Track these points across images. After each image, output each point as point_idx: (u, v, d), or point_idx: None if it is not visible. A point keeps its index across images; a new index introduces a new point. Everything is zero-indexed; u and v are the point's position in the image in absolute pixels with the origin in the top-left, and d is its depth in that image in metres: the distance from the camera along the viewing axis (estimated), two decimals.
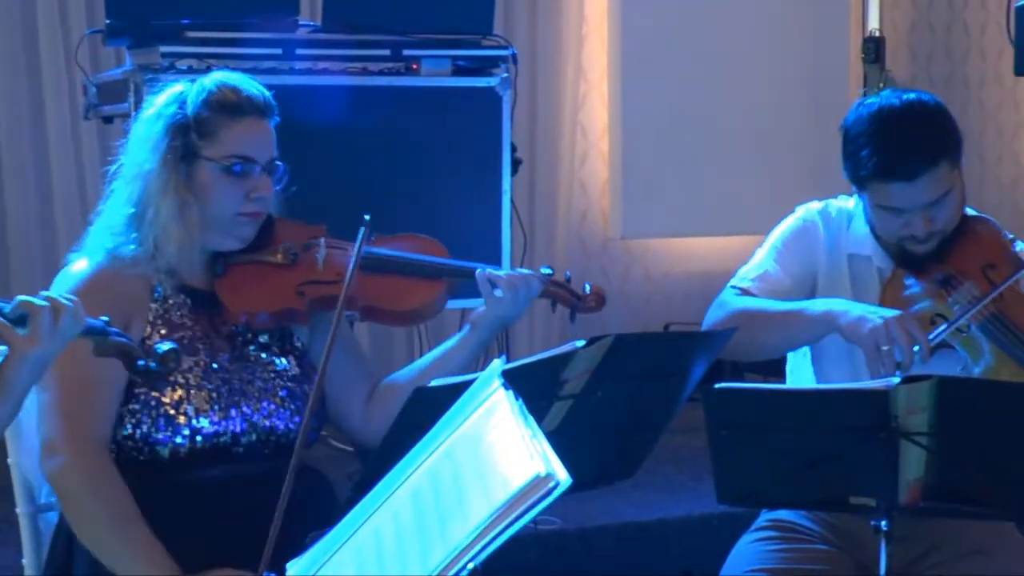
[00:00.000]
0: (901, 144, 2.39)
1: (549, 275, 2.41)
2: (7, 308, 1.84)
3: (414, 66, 3.66)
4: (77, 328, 1.87)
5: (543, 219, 4.99)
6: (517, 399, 1.46)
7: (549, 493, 1.26)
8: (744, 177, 5.22)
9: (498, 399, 1.47)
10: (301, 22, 3.70)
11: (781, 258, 2.55)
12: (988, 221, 2.52)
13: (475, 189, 3.68)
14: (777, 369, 2.74)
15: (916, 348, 2.28)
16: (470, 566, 1.30)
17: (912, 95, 2.46)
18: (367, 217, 2.15)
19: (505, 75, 3.71)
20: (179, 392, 2.17)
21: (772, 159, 5.23)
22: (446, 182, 3.64)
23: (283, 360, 2.29)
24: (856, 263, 2.54)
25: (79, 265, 2.25)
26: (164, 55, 3.46)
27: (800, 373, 2.61)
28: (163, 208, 2.22)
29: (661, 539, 3.35)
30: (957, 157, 2.43)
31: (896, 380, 1.98)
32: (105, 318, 1.95)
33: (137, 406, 2.16)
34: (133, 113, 2.41)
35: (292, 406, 2.26)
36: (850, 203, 2.57)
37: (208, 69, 3.50)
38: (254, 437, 2.22)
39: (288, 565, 1.63)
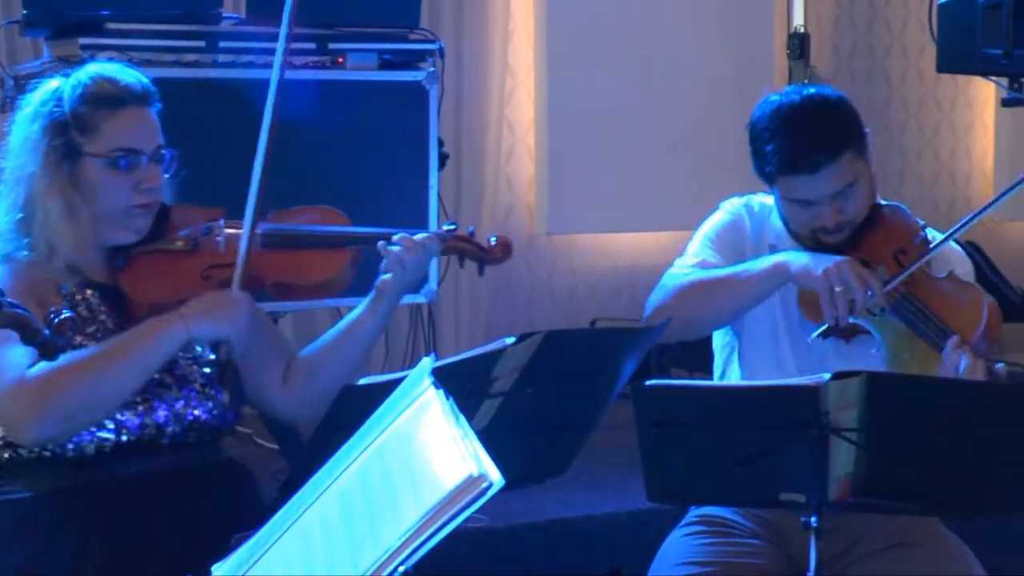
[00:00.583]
0: (802, 138, 2.44)
1: (452, 230, 2.39)
2: None
3: (340, 60, 3.62)
4: None
5: (469, 214, 4.97)
6: (448, 398, 1.44)
7: (482, 494, 1.24)
8: (670, 172, 5.23)
9: (428, 398, 1.44)
10: (225, 14, 3.64)
11: (716, 247, 2.60)
12: (899, 208, 2.58)
13: (402, 184, 3.64)
14: (704, 365, 2.74)
15: (869, 292, 2.34)
16: (401, 569, 1.27)
17: (812, 89, 2.52)
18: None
19: (432, 69, 3.68)
20: None
21: (698, 154, 5.25)
22: (372, 177, 3.60)
23: (198, 347, 2.26)
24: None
25: None
26: (83, 47, 3.38)
27: (726, 370, 2.63)
28: (51, 210, 2.18)
29: (589, 536, 3.34)
30: (861, 148, 2.48)
31: (826, 376, 1.99)
32: None
33: None
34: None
35: (212, 393, 2.24)
36: (770, 198, 2.62)
37: (129, 62, 3.45)
38: (178, 428, 2.19)
39: (214, 568, 1.60)
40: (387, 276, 2.32)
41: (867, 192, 2.51)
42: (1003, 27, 3.77)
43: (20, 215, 2.20)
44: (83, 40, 3.38)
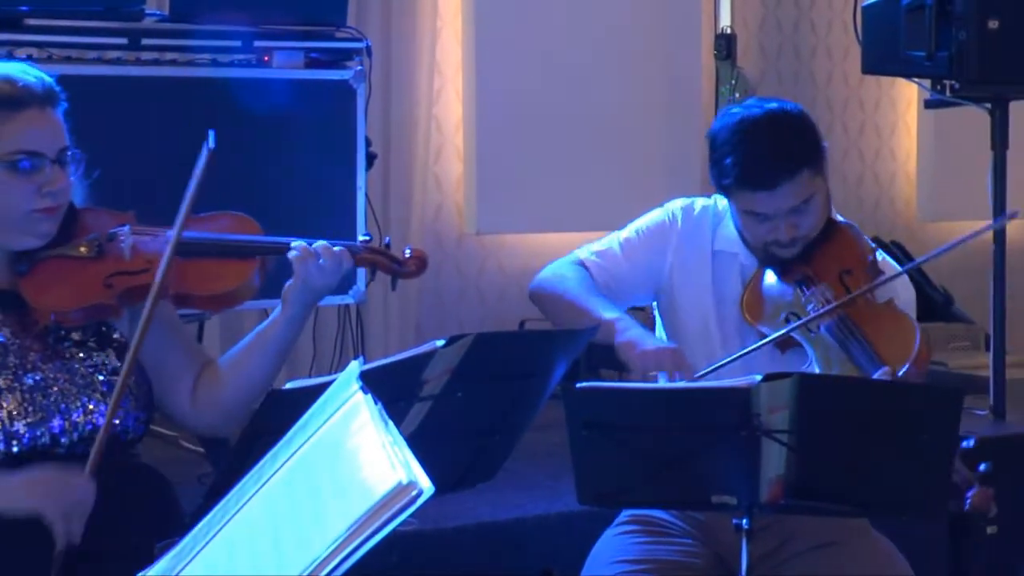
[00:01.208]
0: (762, 154, 2.44)
1: (365, 242, 2.34)
2: None
3: (266, 58, 3.57)
4: None
5: (397, 214, 4.93)
6: (376, 402, 1.41)
7: (412, 502, 1.22)
8: (599, 172, 5.23)
9: (357, 403, 1.41)
10: (148, 11, 3.58)
11: (629, 244, 2.62)
12: (852, 228, 2.58)
13: (329, 184, 3.60)
14: None
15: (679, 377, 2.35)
16: None
17: (774, 104, 2.51)
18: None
19: (359, 68, 3.64)
20: None
21: (626, 154, 5.26)
22: (299, 177, 3.55)
23: (101, 355, 2.19)
24: (721, 260, 2.58)
25: None
26: (1, 44, 3.31)
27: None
28: None
29: (520, 538, 3.32)
30: (819, 165, 2.48)
31: (758, 378, 1.98)
32: None
33: None
34: None
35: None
36: (722, 202, 2.60)
37: (49, 59, 3.38)
38: (75, 437, 2.12)
39: None
40: (293, 283, 2.26)
41: (822, 207, 2.51)
42: (926, 29, 3.82)
43: None
44: (1, 36, 3.31)
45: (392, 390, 1.79)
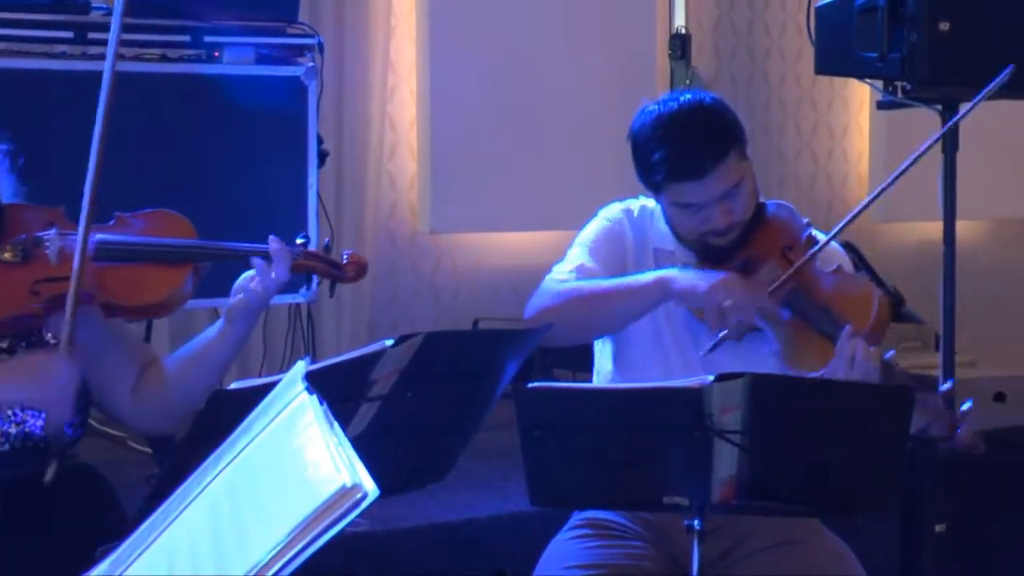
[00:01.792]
0: (686, 144, 2.45)
1: (300, 246, 2.28)
2: None
3: (216, 53, 3.53)
4: None
5: (351, 213, 4.90)
6: (322, 403, 1.38)
7: (356, 505, 1.19)
8: (553, 172, 5.22)
9: (302, 404, 1.38)
10: (95, 4, 3.53)
11: (594, 253, 2.58)
12: (785, 206, 2.61)
13: (280, 182, 3.57)
14: (587, 366, 2.73)
15: (757, 302, 2.36)
16: None
17: (690, 95, 2.53)
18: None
19: (311, 64, 3.61)
20: None
21: (580, 154, 5.25)
22: (249, 174, 3.52)
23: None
24: (661, 257, 2.58)
25: None
26: None
27: (608, 371, 2.61)
28: None
29: (472, 539, 3.31)
30: (743, 148, 2.50)
31: (710, 379, 1.97)
32: None
33: None
34: None
35: None
36: (652, 202, 2.61)
37: None
38: (7, 446, 2.07)
39: None
40: (234, 301, 2.21)
41: (752, 190, 2.52)
42: (878, 30, 3.82)
43: None
44: None
45: (340, 390, 1.77)
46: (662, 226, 2.58)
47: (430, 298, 5.25)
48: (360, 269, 2.30)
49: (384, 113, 5.04)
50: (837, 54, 4.03)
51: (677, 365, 2.48)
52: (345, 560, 2.91)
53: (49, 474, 2.02)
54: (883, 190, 2.52)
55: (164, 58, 3.56)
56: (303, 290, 3.54)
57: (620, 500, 2.21)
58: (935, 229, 4.07)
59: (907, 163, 2.49)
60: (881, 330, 2.40)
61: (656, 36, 5.48)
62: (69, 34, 3.39)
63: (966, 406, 2.22)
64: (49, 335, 2.17)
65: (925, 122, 4.01)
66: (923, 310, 5.44)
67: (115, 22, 2.15)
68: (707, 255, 2.51)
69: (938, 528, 3.60)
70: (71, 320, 1.98)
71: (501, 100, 5.16)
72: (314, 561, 1.26)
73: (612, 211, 2.64)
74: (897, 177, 2.49)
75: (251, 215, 3.34)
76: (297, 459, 1.30)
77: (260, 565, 1.22)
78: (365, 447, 1.90)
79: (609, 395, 2.17)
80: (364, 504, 1.20)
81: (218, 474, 1.41)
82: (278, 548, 1.21)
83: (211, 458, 1.46)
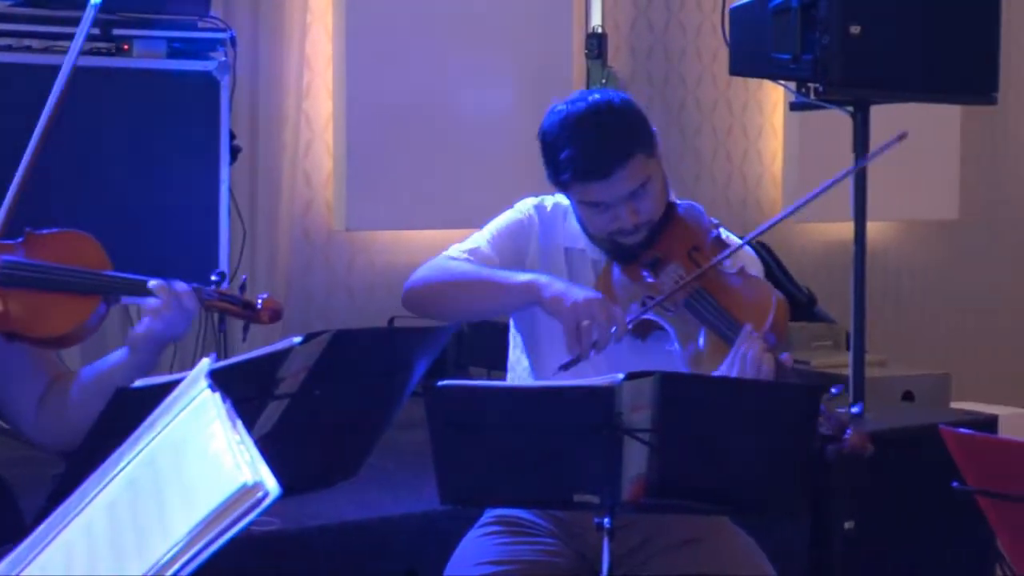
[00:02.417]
0: (593, 144, 2.47)
1: (213, 285, 2.24)
2: None
3: (125, 47, 3.48)
4: None
5: (265, 210, 4.85)
6: (225, 401, 1.36)
7: (258, 504, 1.18)
8: (469, 170, 5.21)
9: (204, 402, 1.36)
10: None
11: (495, 241, 2.61)
12: (693, 207, 2.63)
13: (191, 178, 3.53)
14: (503, 363, 2.73)
15: (613, 329, 2.35)
16: None
17: (598, 95, 2.55)
18: None
19: (223, 59, 3.57)
20: None
21: (497, 152, 5.25)
22: (159, 171, 3.47)
23: None
24: (572, 256, 2.61)
25: None
26: None
27: (520, 369, 2.62)
28: None
29: (385, 538, 3.28)
30: (651, 148, 2.52)
31: (620, 377, 1.98)
32: None
33: None
34: None
35: None
36: (566, 200, 2.62)
37: None
38: None
39: None
40: (140, 330, 2.17)
41: (660, 190, 2.54)
42: (791, 33, 3.86)
43: None
44: None
45: (246, 388, 1.75)
46: (574, 224, 2.60)
47: (345, 296, 5.21)
48: (275, 314, 2.27)
49: (300, 110, 5.00)
50: (751, 55, 4.07)
51: (584, 365, 2.48)
52: (254, 559, 2.88)
53: None
54: (785, 217, 2.60)
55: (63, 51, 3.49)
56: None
57: (530, 498, 2.21)
58: (846, 230, 4.13)
59: (813, 193, 2.56)
60: (780, 332, 2.43)
61: (572, 36, 5.49)
62: None
63: (855, 409, 2.25)
64: None
65: (838, 124, 4.07)
66: (835, 310, 5.52)
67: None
68: (617, 254, 2.54)
69: (847, 525, 3.64)
70: None
71: (418, 98, 5.15)
72: (221, 559, 1.24)
73: (524, 205, 2.67)
74: (801, 205, 2.56)
75: (161, 212, 3.30)
76: (198, 457, 1.29)
77: (159, 565, 1.19)
78: (273, 445, 1.89)
79: (519, 394, 2.17)
80: (266, 503, 1.19)
81: (119, 472, 1.39)
82: (178, 547, 1.19)
83: (112, 457, 1.44)
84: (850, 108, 4.00)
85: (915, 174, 6.31)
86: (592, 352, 2.37)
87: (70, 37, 3.47)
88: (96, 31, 3.45)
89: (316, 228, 5.16)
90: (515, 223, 2.64)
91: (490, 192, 4.89)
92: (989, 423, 4.07)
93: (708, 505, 2.16)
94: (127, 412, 1.64)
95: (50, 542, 1.38)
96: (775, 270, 5.62)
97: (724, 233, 2.60)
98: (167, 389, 1.49)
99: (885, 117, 4.50)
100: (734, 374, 2.28)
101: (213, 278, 2.24)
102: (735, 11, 4.10)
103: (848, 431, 2.26)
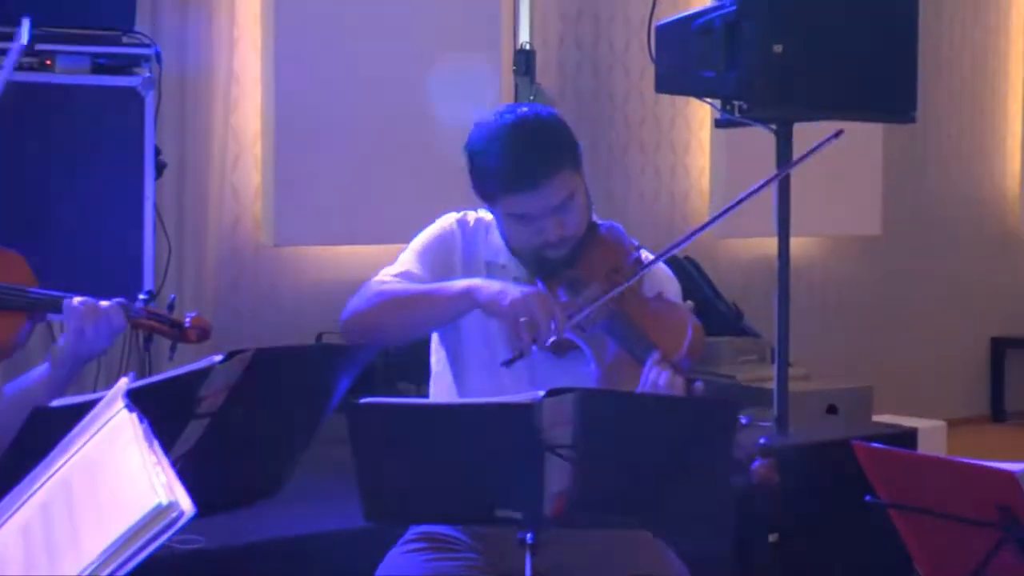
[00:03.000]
0: (522, 155, 2.49)
1: (141, 303, 2.23)
2: None
3: (48, 62, 3.45)
4: None
5: (193, 225, 4.82)
6: (142, 421, 1.36)
7: (172, 524, 1.18)
8: (398, 185, 5.22)
9: (121, 421, 1.36)
10: None
11: (422, 259, 2.62)
12: (614, 228, 2.64)
13: (116, 195, 3.50)
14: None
15: (552, 323, 2.36)
16: None
17: (526, 108, 2.58)
18: None
19: (148, 75, 3.55)
20: None
21: (426, 168, 5.25)
22: (83, 187, 3.44)
23: None
24: (493, 270, 2.62)
25: None
26: None
27: (442, 383, 2.63)
28: None
29: (310, 555, 3.28)
30: (577, 163, 2.55)
31: (541, 394, 1.99)
32: None
33: None
34: None
35: None
36: (488, 215, 2.64)
37: None
38: None
39: None
40: (62, 344, 2.15)
41: (584, 205, 2.57)
42: (716, 51, 3.91)
43: None
44: None
45: (166, 407, 1.74)
46: (496, 239, 2.62)
47: (273, 312, 5.19)
48: (203, 333, 2.27)
49: (228, 125, 4.98)
50: (677, 73, 4.12)
51: (507, 382, 2.49)
52: None
53: None
54: (708, 227, 2.64)
55: None
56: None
57: (453, 515, 2.22)
58: (772, 245, 4.18)
59: (740, 198, 2.60)
60: (694, 357, 2.46)
61: (501, 52, 5.52)
62: None
63: (762, 440, 2.28)
64: None
65: (764, 140, 4.13)
66: (760, 324, 5.58)
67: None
68: (540, 269, 2.55)
69: (771, 538, 3.68)
70: None
71: (347, 113, 5.15)
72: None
73: (446, 220, 2.68)
74: (726, 213, 2.60)
75: (85, 228, 3.27)
76: (114, 478, 1.29)
77: None
78: (194, 464, 1.88)
79: (440, 411, 2.18)
80: (180, 523, 1.19)
81: (33, 493, 1.38)
82: (91, 568, 1.19)
83: (27, 478, 1.43)
84: (774, 125, 4.06)
85: (839, 190, 6.41)
86: (534, 348, 2.38)
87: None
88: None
89: (244, 244, 5.14)
90: (438, 238, 2.65)
91: (419, 207, 4.85)
92: (909, 436, 4.15)
93: (629, 520, 2.18)
94: (44, 431, 1.63)
95: None
96: (702, 285, 5.68)
97: (645, 254, 2.63)
98: (85, 409, 1.49)
99: (809, 134, 4.57)
100: None
101: (142, 296, 2.24)
102: (661, 29, 4.15)
103: (756, 461, 2.27)
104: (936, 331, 7.11)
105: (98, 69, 3.51)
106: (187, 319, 2.26)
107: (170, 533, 1.19)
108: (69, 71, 3.45)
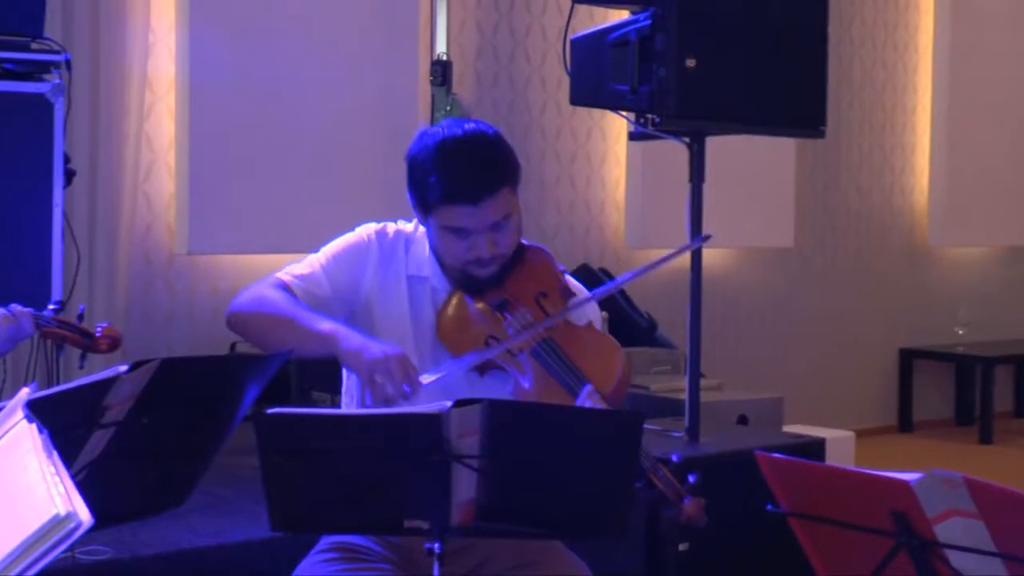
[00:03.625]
0: (466, 169, 2.49)
1: (51, 312, 2.23)
2: None
3: None
4: None
5: (104, 233, 4.77)
6: (42, 432, 1.35)
7: (70, 535, 1.17)
8: (313, 194, 5.21)
9: (20, 432, 1.36)
10: None
11: (328, 266, 2.60)
12: (543, 251, 2.65)
13: (23, 202, 3.46)
14: None
15: (406, 387, 2.36)
16: None
17: (472, 124, 2.57)
18: None
19: (58, 82, 3.51)
20: None
21: (342, 177, 5.25)
22: None
23: None
24: (414, 284, 2.60)
25: None
26: None
27: (354, 392, 2.62)
28: None
29: (222, 564, 3.25)
30: (516, 184, 2.56)
31: (448, 404, 2.00)
32: None
33: None
34: None
35: None
36: (409, 227, 2.63)
37: None
38: None
39: None
40: None
41: (518, 227, 2.58)
42: (629, 64, 3.95)
43: None
44: None
45: (68, 417, 1.73)
46: (420, 252, 2.60)
47: (187, 321, 5.15)
48: (113, 343, 2.27)
49: (141, 132, 4.93)
50: (592, 86, 4.15)
51: (419, 395, 2.49)
52: None
53: None
54: (629, 280, 2.69)
55: None
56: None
57: (361, 524, 2.22)
58: (685, 256, 4.22)
59: (653, 263, 2.64)
60: (622, 391, 2.48)
61: (418, 63, 5.53)
62: None
63: (692, 479, 2.30)
64: None
65: (679, 152, 4.17)
66: (675, 335, 5.64)
67: None
68: (466, 286, 2.55)
69: (681, 547, 3.71)
70: None
71: (262, 122, 5.13)
72: None
73: (364, 230, 2.65)
74: (641, 273, 2.65)
75: None
76: (11, 489, 1.28)
77: None
78: (99, 473, 1.87)
79: (348, 421, 2.18)
80: (78, 534, 1.19)
81: None
82: None
83: None
84: (686, 139, 4.10)
85: (753, 203, 6.51)
86: (384, 407, 2.35)
87: None
88: None
89: (157, 252, 5.10)
90: (352, 247, 2.63)
91: (335, 216, 4.88)
92: (817, 446, 4.20)
93: (537, 529, 2.19)
94: None
95: None
96: (617, 297, 5.72)
97: (571, 280, 2.64)
98: None
99: (724, 147, 4.64)
100: None
101: (51, 306, 2.22)
102: (576, 42, 4.17)
103: (686, 499, 2.29)
104: (846, 342, 7.23)
105: (5, 75, 3.46)
106: (98, 329, 2.25)
107: (68, 543, 1.19)
108: None
